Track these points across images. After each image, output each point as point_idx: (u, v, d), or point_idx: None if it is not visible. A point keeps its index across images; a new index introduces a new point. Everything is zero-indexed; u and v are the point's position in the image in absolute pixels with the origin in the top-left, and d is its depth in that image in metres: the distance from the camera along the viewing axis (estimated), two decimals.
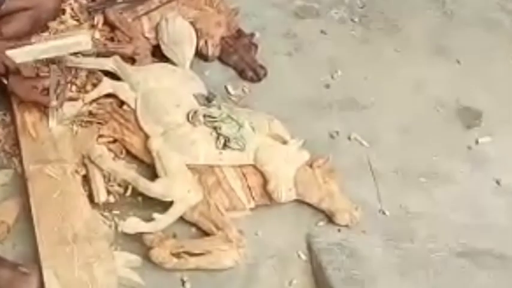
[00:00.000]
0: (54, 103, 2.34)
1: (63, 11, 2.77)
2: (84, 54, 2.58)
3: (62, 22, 2.73)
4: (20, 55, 2.31)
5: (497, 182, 2.57)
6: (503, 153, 2.67)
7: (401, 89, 2.84)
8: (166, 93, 2.45)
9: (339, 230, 2.32)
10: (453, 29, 3.16)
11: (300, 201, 2.36)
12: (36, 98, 2.35)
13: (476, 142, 2.70)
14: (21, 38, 2.49)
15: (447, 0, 3.30)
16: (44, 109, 2.38)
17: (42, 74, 2.46)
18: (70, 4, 2.81)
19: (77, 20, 2.77)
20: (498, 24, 3.22)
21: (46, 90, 2.35)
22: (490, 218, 2.46)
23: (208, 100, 2.47)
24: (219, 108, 2.41)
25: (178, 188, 2.21)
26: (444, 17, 3.23)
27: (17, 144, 2.36)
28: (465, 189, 2.53)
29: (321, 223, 2.34)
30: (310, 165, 2.37)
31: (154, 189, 2.22)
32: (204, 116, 2.37)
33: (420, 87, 2.86)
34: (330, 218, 2.33)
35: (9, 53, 2.29)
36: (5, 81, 2.34)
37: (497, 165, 2.62)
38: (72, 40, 2.43)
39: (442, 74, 2.94)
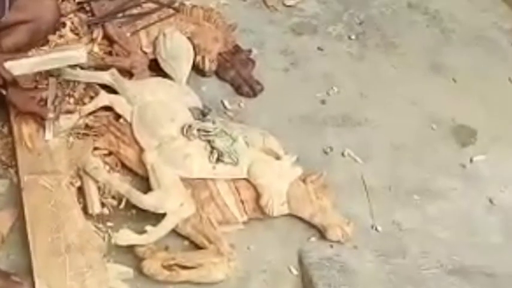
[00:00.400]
0: (51, 115, 2.38)
1: (63, 25, 2.81)
2: (82, 67, 2.61)
3: (61, 36, 2.77)
4: (16, 67, 2.33)
5: (490, 201, 2.58)
6: (497, 171, 2.68)
7: (397, 106, 2.86)
8: (161, 107, 2.48)
9: (331, 246, 2.33)
10: (450, 48, 3.19)
11: (293, 216, 2.37)
12: (33, 109, 2.39)
13: (471, 160, 2.71)
14: (21, 49, 2.52)
15: (445, 18, 3.33)
16: (40, 121, 2.41)
17: (40, 86, 2.49)
18: (70, 18, 2.86)
19: (77, 34, 2.81)
20: (495, 44, 3.25)
21: (44, 102, 2.40)
22: (482, 236, 2.47)
23: (203, 114, 2.49)
24: (214, 122, 2.44)
25: (171, 201, 2.23)
26: (442, 35, 3.25)
27: (13, 155, 2.38)
28: (458, 206, 2.54)
29: (313, 238, 2.36)
30: (304, 181, 2.39)
31: (147, 201, 2.24)
32: (198, 130, 2.40)
33: (416, 104, 2.88)
34: (322, 233, 2.35)
35: (6, 65, 2.32)
36: (4, 92, 2.37)
37: (490, 184, 2.64)
38: (68, 53, 2.46)
39: (438, 91, 2.96)
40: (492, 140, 2.80)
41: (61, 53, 2.45)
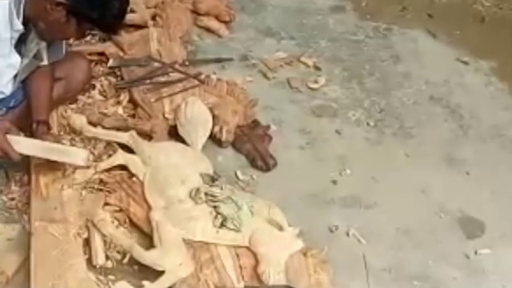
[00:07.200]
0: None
1: (93, 87, 2.97)
2: (105, 127, 2.74)
3: (90, 97, 2.93)
4: (18, 145, 2.36)
5: None
6: (501, 266, 2.67)
7: (406, 193, 2.89)
8: (174, 169, 2.58)
9: None
10: (467, 142, 3.23)
11: None
12: None
13: (476, 252, 2.71)
14: (58, 103, 2.74)
15: (465, 114, 3.39)
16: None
17: None
18: (101, 81, 3.02)
19: (104, 96, 2.96)
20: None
21: None
22: None
23: (212, 180, 2.58)
24: (221, 188, 2.52)
25: (171, 260, 2.30)
26: (460, 130, 3.30)
27: (29, 203, 2.49)
28: None
29: None
30: (305, 254, 2.43)
31: (148, 257, 2.31)
32: (206, 194, 2.48)
33: (425, 192, 2.92)
34: None
35: (14, 139, 2.36)
36: None
37: (493, 277, 2.63)
38: (72, 151, 2.47)
39: (450, 183, 2.99)
40: (500, 236, 2.80)
41: (66, 148, 2.47)
